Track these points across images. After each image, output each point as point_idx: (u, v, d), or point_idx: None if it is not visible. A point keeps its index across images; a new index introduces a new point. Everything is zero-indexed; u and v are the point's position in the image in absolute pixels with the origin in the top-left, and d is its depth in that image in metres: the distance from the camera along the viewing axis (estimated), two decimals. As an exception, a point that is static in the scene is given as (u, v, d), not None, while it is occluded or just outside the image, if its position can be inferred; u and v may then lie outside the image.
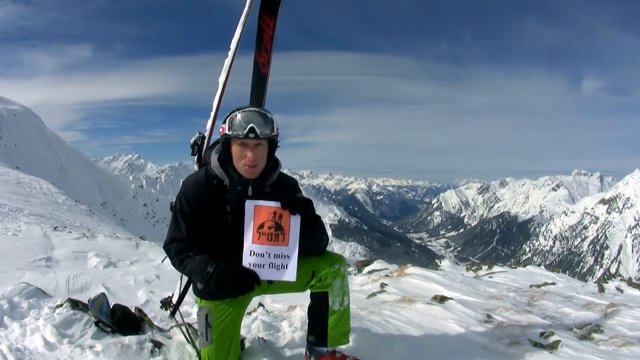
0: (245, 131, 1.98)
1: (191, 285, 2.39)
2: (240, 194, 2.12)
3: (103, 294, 2.89)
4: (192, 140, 2.67)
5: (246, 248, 2.04)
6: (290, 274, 2.06)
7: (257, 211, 2.04)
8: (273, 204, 2.05)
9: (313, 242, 2.17)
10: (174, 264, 2.17)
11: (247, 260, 2.04)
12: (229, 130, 2.03)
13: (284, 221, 2.06)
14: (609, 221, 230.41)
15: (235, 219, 2.09)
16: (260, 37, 2.88)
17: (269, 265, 2.04)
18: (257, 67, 2.92)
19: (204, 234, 2.13)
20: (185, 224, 2.13)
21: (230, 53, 2.74)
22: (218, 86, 2.77)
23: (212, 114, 2.76)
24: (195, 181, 2.17)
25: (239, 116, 2.03)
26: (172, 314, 2.66)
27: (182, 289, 2.62)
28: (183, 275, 2.59)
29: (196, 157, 2.66)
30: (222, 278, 1.97)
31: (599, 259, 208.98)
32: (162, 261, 2.53)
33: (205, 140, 2.69)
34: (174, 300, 2.68)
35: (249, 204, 2.03)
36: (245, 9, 2.70)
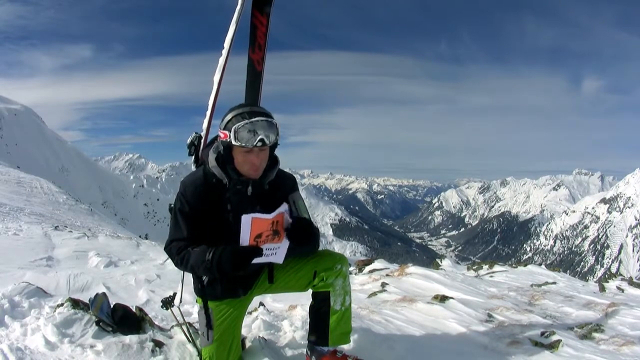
0: (255, 143, 1.94)
1: (192, 285, 2.39)
2: (240, 193, 2.11)
3: (103, 294, 2.89)
4: (188, 141, 2.66)
5: None
6: (278, 258, 2.08)
7: (255, 224, 1.96)
8: (271, 216, 1.97)
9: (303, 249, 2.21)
10: (176, 263, 2.14)
11: None
12: (235, 141, 1.95)
13: (280, 225, 2.03)
14: (609, 220, 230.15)
15: (235, 217, 2.07)
16: (254, 34, 2.84)
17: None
18: (251, 64, 2.87)
19: (205, 232, 2.11)
20: (185, 223, 2.11)
21: (224, 51, 2.71)
22: (213, 85, 2.76)
23: (208, 113, 2.75)
24: (193, 180, 2.15)
25: (244, 126, 1.94)
26: (166, 306, 2.67)
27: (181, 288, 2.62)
28: (184, 275, 2.58)
29: (193, 157, 2.65)
30: (221, 262, 1.94)
31: (599, 259, 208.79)
32: (164, 262, 2.50)
33: (202, 140, 2.69)
34: (177, 299, 2.68)
35: (246, 219, 1.93)
36: (238, 7, 2.68)
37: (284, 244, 2.06)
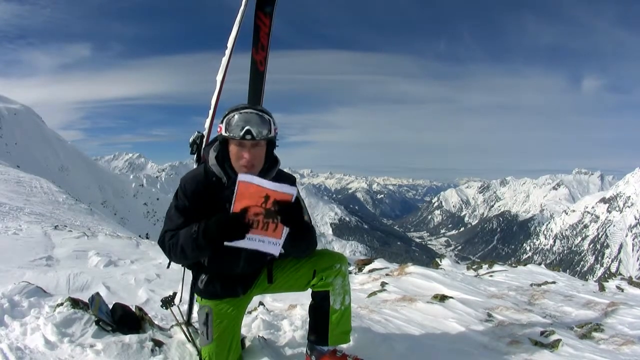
0: (242, 133, 1.96)
1: (192, 284, 2.39)
2: None
3: (97, 294, 2.89)
4: (191, 140, 2.67)
5: None
6: (272, 248, 1.86)
7: (242, 189, 1.79)
8: (266, 184, 1.80)
9: (297, 248, 2.12)
10: (167, 251, 2.08)
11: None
12: (225, 132, 2.00)
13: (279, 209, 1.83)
14: (609, 220, 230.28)
15: None
16: (257, 34, 2.90)
17: (248, 246, 1.86)
18: (254, 64, 2.94)
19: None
20: (182, 216, 2.09)
21: (227, 51, 2.76)
22: (216, 85, 2.79)
23: (210, 112, 2.78)
24: (193, 177, 2.15)
25: (236, 117, 1.99)
26: (166, 306, 2.66)
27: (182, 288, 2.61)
28: (185, 273, 2.57)
29: (195, 156, 2.66)
30: (208, 229, 1.89)
31: (599, 258, 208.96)
32: (168, 267, 2.48)
33: (204, 139, 2.70)
34: (177, 298, 2.68)
35: (239, 179, 1.80)
36: (242, 7, 2.73)
37: (279, 232, 1.87)
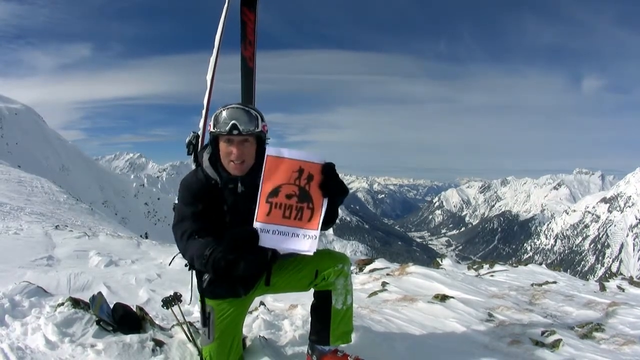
0: (228, 127, 1.98)
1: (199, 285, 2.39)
2: (232, 192, 2.10)
3: (100, 294, 2.89)
4: (187, 140, 2.68)
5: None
6: (305, 245, 1.57)
7: (270, 165, 1.53)
8: (298, 155, 1.51)
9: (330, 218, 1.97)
10: (180, 246, 2.09)
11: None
12: (214, 128, 2.03)
13: (315, 187, 1.51)
14: (610, 220, 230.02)
15: (232, 218, 2.09)
16: (244, 31, 3.01)
17: (280, 243, 1.58)
18: (244, 61, 3.03)
19: (208, 227, 2.08)
20: (192, 207, 2.09)
21: (214, 50, 2.82)
22: (206, 85, 2.83)
23: (203, 112, 2.81)
24: (191, 180, 2.16)
25: (223, 113, 2.02)
26: (166, 306, 2.66)
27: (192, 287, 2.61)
28: (193, 274, 2.57)
29: (192, 156, 2.66)
30: (216, 263, 1.86)
31: (600, 258, 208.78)
32: (170, 264, 2.48)
33: (200, 139, 2.70)
34: (187, 299, 2.67)
35: (267, 152, 1.57)
36: (225, 5, 2.78)
37: (316, 220, 1.53)
